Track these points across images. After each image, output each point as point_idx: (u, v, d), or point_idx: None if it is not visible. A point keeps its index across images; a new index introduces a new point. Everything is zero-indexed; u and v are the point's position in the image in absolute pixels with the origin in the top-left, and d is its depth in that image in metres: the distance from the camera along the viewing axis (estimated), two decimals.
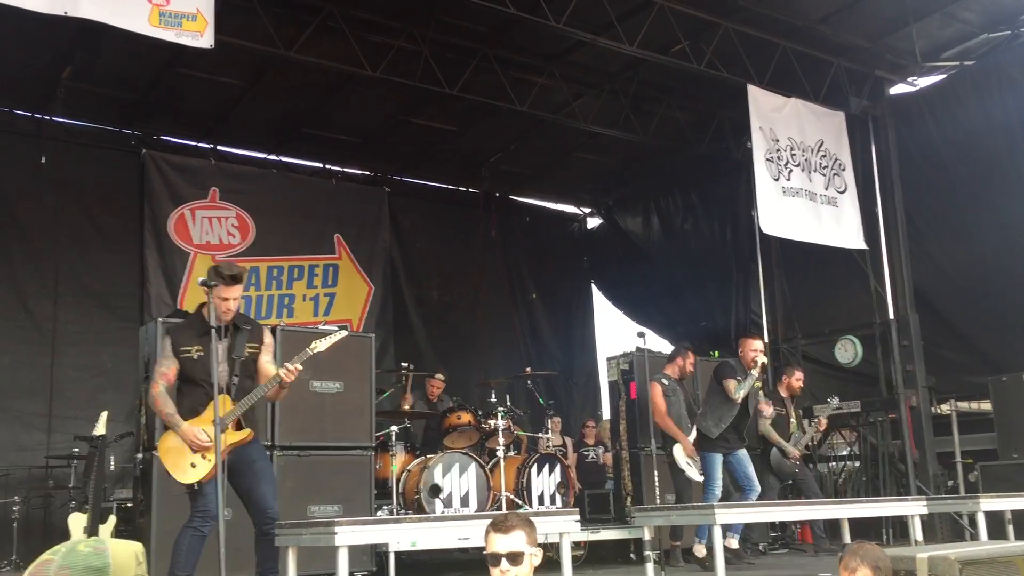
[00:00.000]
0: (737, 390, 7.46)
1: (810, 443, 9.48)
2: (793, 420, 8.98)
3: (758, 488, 7.71)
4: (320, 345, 5.22)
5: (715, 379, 7.76)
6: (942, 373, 10.19)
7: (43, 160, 9.96)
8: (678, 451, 7.63)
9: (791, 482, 8.88)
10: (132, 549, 2.49)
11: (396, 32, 9.52)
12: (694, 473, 7.59)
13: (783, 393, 9.00)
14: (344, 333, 5.51)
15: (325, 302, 11.94)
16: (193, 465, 4.96)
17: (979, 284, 10.04)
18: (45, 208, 10.11)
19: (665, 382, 7.93)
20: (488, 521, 3.20)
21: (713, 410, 7.69)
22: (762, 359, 7.68)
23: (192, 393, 5.07)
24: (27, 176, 10.02)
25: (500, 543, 3.06)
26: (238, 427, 5.07)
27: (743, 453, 7.77)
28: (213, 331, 4.94)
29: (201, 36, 6.77)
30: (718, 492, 7.48)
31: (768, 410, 8.40)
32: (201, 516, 4.96)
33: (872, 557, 3.45)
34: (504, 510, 7.57)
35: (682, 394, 7.96)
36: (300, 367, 5.07)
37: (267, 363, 5.23)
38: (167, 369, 5.06)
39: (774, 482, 8.67)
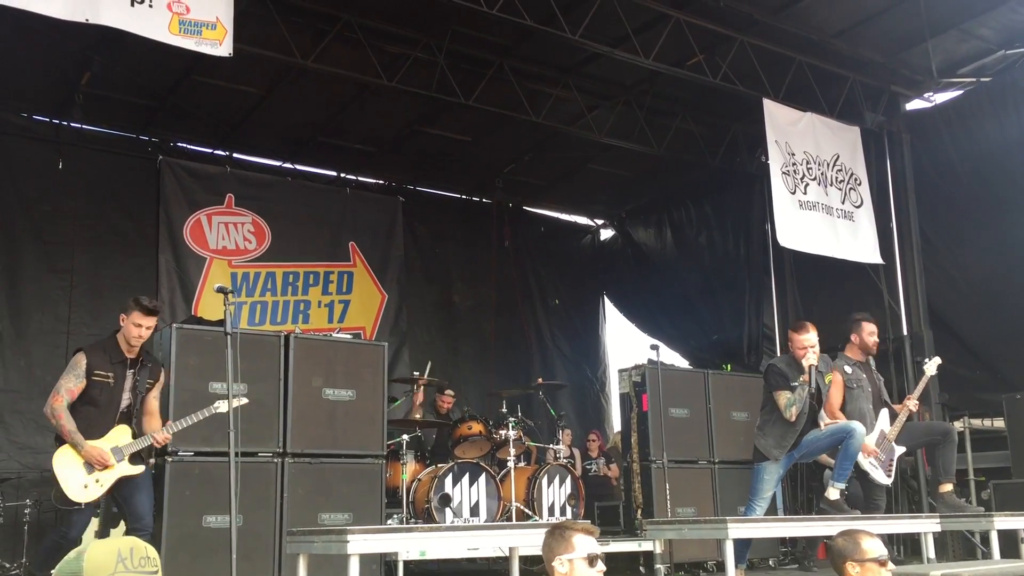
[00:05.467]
0: (787, 407, 6.26)
1: None
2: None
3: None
4: (222, 407, 5.46)
5: (766, 388, 6.57)
6: (956, 390, 10.12)
7: (60, 165, 10.06)
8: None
9: None
10: (115, 546, 2.51)
11: (412, 42, 9.56)
12: (880, 475, 6.77)
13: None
14: (244, 400, 5.66)
15: (340, 309, 11.98)
16: (86, 486, 5.21)
17: (994, 301, 9.99)
18: (62, 212, 10.20)
19: (848, 370, 6.80)
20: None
21: (774, 425, 6.44)
22: (810, 359, 6.28)
23: (89, 416, 5.31)
24: (45, 180, 10.10)
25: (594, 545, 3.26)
26: (133, 460, 5.41)
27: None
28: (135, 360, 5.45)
29: (220, 45, 6.82)
30: (759, 508, 6.46)
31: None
32: (65, 529, 5.35)
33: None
34: (514, 521, 7.58)
35: (868, 383, 6.87)
36: (170, 435, 5.52)
37: (153, 399, 5.63)
38: (74, 386, 5.29)
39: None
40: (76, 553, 2.54)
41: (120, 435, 5.36)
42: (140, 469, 5.38)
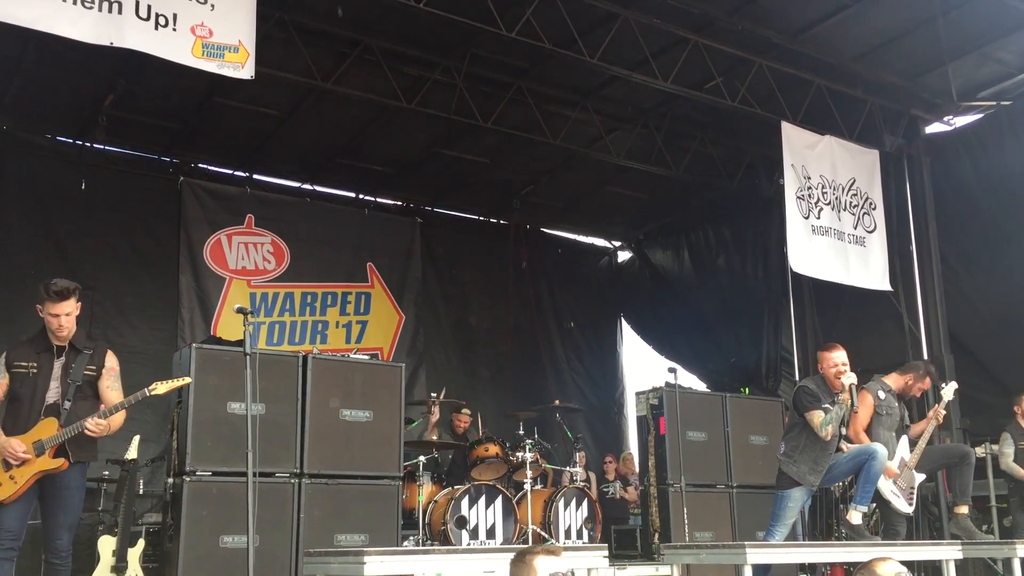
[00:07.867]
0: (823, 425, 6.09)
1: None
2: None
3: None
4: (160, 388, 5.17)
5: (795, 410, 6.39)
6: (977, 415, 10.02)
7: (83, 186, 10.19)
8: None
9: None
10: None
11: (432, 65, 9.64)
12: (902, 503, 6.76)
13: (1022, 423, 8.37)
14: (187, 380, 5.56)
15: (357, 329, 12.02)
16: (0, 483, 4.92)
17: (1015, 326, 9.90)
18: (85, 232, 10.32)
19: (882, 396, 6.86)
20: (512, 554, 3.45)
21: (804, 451, 6.26)
22: (849, 378, 6.17)
23: (16, 410, 4.99)
24: (68, 200, 10.25)
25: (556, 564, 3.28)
26: (57, 454, 4.96)
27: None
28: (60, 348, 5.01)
29: (242, 67, 6.89)
30: (779, 535, 6.32)
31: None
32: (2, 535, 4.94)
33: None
34: (531, 544, 7.55)
35: (897, 414, 6.93)
36: (104, 421, 4.97)
37: (107, 388, 5.15)
38: None
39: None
40: None
41: (45, 428, 4.96)
42: (60, 463, 4.95)
